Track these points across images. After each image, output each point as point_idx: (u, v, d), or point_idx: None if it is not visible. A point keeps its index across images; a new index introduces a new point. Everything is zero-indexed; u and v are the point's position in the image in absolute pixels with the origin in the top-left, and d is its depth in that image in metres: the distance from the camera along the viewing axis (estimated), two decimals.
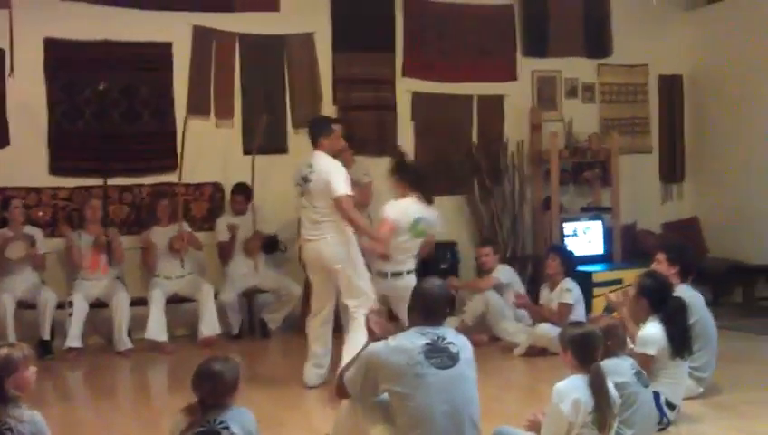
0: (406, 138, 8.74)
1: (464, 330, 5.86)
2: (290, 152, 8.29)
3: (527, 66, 9.19)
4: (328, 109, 8.49)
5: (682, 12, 9.64)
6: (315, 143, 5.96)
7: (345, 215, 5.76)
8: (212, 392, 3.44)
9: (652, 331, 4.91)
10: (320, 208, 5.81)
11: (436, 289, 3.98)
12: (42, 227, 7.46)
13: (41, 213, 7.55)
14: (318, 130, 6.02)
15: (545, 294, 7.14)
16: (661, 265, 5.71)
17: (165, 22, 7.90)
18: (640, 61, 9.60)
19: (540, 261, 8.64)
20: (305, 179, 5.85)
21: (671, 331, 4.91)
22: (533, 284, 8.17)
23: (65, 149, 7.68)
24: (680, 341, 4.95)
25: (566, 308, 6.73)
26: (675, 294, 5.18)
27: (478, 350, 3.98)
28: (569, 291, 6.85)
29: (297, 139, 8.31)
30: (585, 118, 9.24)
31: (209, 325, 7.30)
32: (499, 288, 7.35)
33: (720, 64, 9.32)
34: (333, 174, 5.77)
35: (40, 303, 7.03)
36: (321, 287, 5.99)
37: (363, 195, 7.99)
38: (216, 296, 7.42)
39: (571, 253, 7.40)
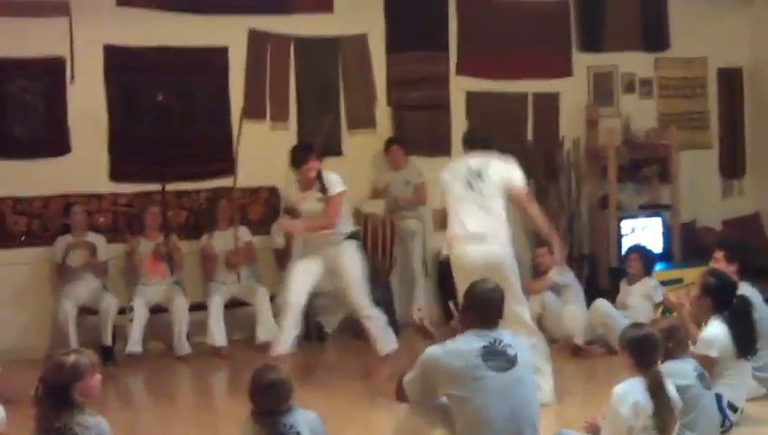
0: (460, 136, 8.67)
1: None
2: (345, 154, 8.31)
3: (583, 62, 9.09)
4: (382, 109, 8.50)
5: (740, 3, 9.43)
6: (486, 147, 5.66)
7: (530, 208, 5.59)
8: (276, 400, 3.49)
9: (715, 331, 4.84)
10: (491, 204, 5.41)
11: (490, 291, 3.98)
12: (103, 234, 7.59)
13: (102, 219, 7.68)
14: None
15: (624, 288, 7.12)
16: (719, 262, 5.67)
17: (221, 26, 7.96)
18: (699, 54, 9.43)
19: (596, 260, 8.60)
20: (477, 173, 5.41)
21: (737, 329, 4.84)
22: (591, 283, 8.09)
23: (125, 155, 7.78)
24: (746, 339, 4.87)
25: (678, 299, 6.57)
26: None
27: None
28: (657, 289, 6.92)
29: (352, 140, 8.36)
30: (643, 113, 9.10)
31: (266, 329, 7.35)
32: (556, 289, 7.30)
33: None
34: (512, 169, 5.57)
35: (102, 308, 7.14)
36: None
37: (418, 195, 8.02)
38: (272, 299, 7.47)
39: (651, 252, 7.40)
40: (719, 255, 5.75)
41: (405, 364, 5.23)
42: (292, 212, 6.43)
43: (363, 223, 7.67)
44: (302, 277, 6.09)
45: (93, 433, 3.47)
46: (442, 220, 5.52)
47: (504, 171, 5.48)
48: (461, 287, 4.83)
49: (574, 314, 7.08)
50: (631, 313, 6.69)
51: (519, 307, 5.34)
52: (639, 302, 6.88)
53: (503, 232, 5.39)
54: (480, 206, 5.33)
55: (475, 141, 5.73)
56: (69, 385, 3.45)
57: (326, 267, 6.14)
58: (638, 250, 7.31)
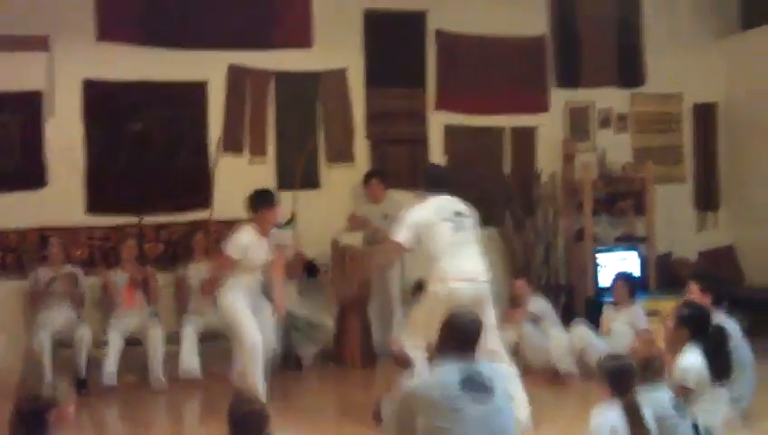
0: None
1: None
2: (322, 187, 8.34)
3: (559, 97, 9.20)
4: (361, 143, 8.55)
5: (715, 39, 9.58)
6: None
7: None
8: (253, 430, 3.48)
9: (691, 360, 4.88)
10: (475, 245, 5.64)
11: (470, 322, 3.99)
12: (79, 266, 7.54)
13: (78, 252, 7.64)
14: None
15: (609, 313, 7.17)
16: (694, 294, 5.75)
17: (200, 61, 8.01)
18: (674, 89, 9.55)
19: (573, 291, 8.64)
20: (459, 214, 5.63)
21: (713, 357, 4.88)
22: (567, 314, 8.11)
23: (102, 189, 7.78)
24: (721, 367, 4.92)
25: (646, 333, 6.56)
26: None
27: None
28: (642, 317, 6.95)
29: (330, 173, 8.39)
30: (618, 148, 9.20)
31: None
32: (533, 319, 7.33)
33: (755, 92, 9.24)
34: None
35: (76, 339, 7.08)
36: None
37: None
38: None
39: (636, 279, 7.54)
40: (693, 287, 5.83)
41: (382, 391, 5.27)
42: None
43: (341, 254, 7.69)
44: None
45: None
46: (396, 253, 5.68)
47: (471, 212, 5.72)
48: (427, 316, 5.08)
49: (558, 341, 7.09)
50: (613, 338, 6.79)
51: (494, 337, 5.47)
52: (623, 328, 6.89)
53: (486, 269, 5.61)
54: (469, 246, 5.57)
55: (444, 182, 5.87)
56: (43, 413, 3.43)
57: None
58: (624, 278, 7.35)
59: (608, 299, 7.51)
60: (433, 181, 5.85)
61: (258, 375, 5.97)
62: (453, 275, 5.43)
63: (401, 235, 5.54)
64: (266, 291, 6.42)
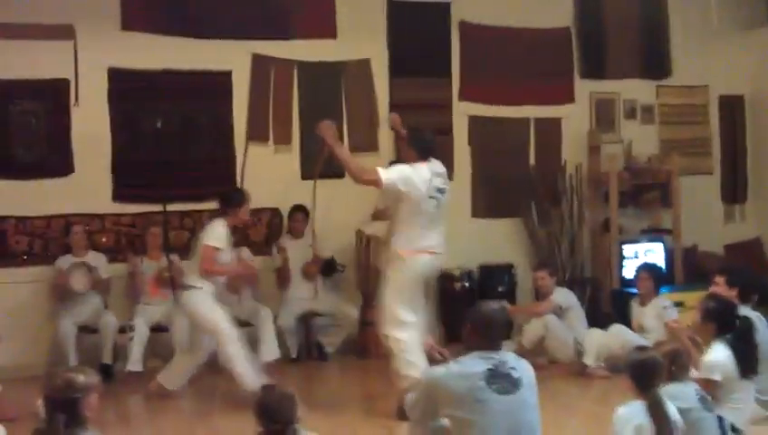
0: (463, 161, 8.74)
1: (521, 353, 5.76)
2: (347, 177, 8.31)
3: (585, 88, 9.14)
4: (385, 133, 8.53)
5: (742, 31, 9.48)
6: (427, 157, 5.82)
7: None
8: (284, 417, 3.47)
9: (718, 355, 4.83)
10: (443, 222, 5.83)
11: (495, 312, 3.96)
12: (104, 253, 7.60)
13: (104, 239, 7.70)
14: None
15: (637, 310, 7.05)
16: (719, 287, 5.71)
17: (224, 51, 8.02)
18: (700, 81, 9.49)
19: (598, 283, 8.60)
20: (441, 191, 5.75)
21: (740, 351, 4.83)
22: (593, 306, 8.08)
23: (128, 177, 7.81)
24: (748, 360, 4.86)
25: (678, 324, 6.46)
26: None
27: (537, 374, 3.94)
28: (669, 308, 6.79)
29: None
30: (644, 140, 9.16)
31: (269, 350, 7.33)
32: (558, 312, 7.29)
33: None
34: None
35: (101, 326, 7.17)
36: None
37: None
38: (274, 320, 7.46)
39: (660, 269, 7.37)
40: (720, 280, 5.80)
41: (405, 385, 5.26)
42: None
43: (365, 244, 7.69)
44: None
45: None
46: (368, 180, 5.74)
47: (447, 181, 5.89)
48: (403, 289, 5.56)
49: (588, 336, 7.04)
50: (650, 335, 6.66)
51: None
52: (655, 323, 6.78)
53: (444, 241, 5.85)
54: (440, 221, 5.80)
55: (433, 148, 5.91)
56: (78, 401, 3.45)
57: None
58: (648, 269, 7.24)
59: (633, 291, 7.46)
60: (426, 148, 5.84)
61: (245, 361, 6.06)
62: (424, 249, 5.68)
63: (386, 174, 5.63)
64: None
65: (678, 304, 6.90)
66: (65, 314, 7.19)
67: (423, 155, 5.78)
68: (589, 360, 6.83)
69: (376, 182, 5.65)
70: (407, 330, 5.55)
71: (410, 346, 5.49)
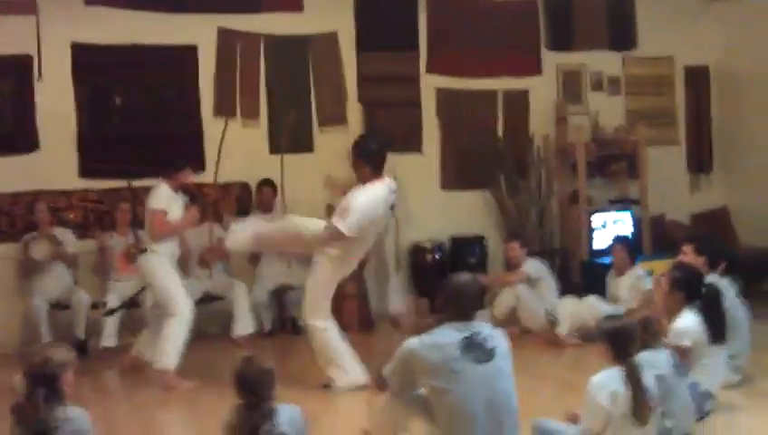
0: (431, 134, 8.75)
1: (494, 324, 5.84)
2: (315, 151, 8.32)
3: (551, 60, 9.17)
4: (353, 107, 8.51)
5: (707, 3, 9.55)
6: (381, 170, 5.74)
7: None
8: (262, 390, 3.48)
9: (687, 322, 4.89)
10: None
11: (467, 283, 3.99)
12: (72, 229, 7.54)
13: (72, 215, 7.63)
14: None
15: (614, 282, 7.09)
16: (688, 256, 5.76)
17: (190, 24, 7.95)
18: (666, 52, 9.55)
19: (568, 253, 8.67)
20: (392, 207, 5.91)
21: (708, 317, 4.90)
22: (563, 276, 8.15)
23: (94, 153, 7.74)
24: (717, 326, 4.93)
25: (649, 293, 6.51)
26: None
27: (510, 343, 3.97)
28: (644, 278, 6.82)
29: (323, 137, 8.36)
30: (611, 111, 9.21)
31: (243, 324, 7.33)
32: (529, 282, 7.35)
33: (747, 54, 9.26)
34: None
35: (74, 303, 7.14)
36: None
37: None
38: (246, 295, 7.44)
39: (632, 241, 7.42)
40: (687, 248, 5.85)
41: (383, 355, 5.29)
42: None
43: None
44: None
45: (75, 425, 3.46)
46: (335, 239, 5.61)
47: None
48: (329, 282, 5.72)
49: (560, 306, 7.09)
50: (624, 306, 6.69)
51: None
52: (629, 293, 6.86)
53: None
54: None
55: (384, 156, 5.77)
56: (57, 377, 3.44)
57: None
58: (622, 241, 7.30)
59: (603, 261, 7.52)
60: (377, 159, 5.69)
61: (178, 343, 6.03)
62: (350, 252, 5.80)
63: (349, 223, 5.50)
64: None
65: (648, 274, 6.96)
66: (35, 290, 7.14)
67: (378, 170, 5.64)
68: (562, 329, 6.89)
69: (341, 236, 5.54)
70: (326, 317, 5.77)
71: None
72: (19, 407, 3.43)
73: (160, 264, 6.13)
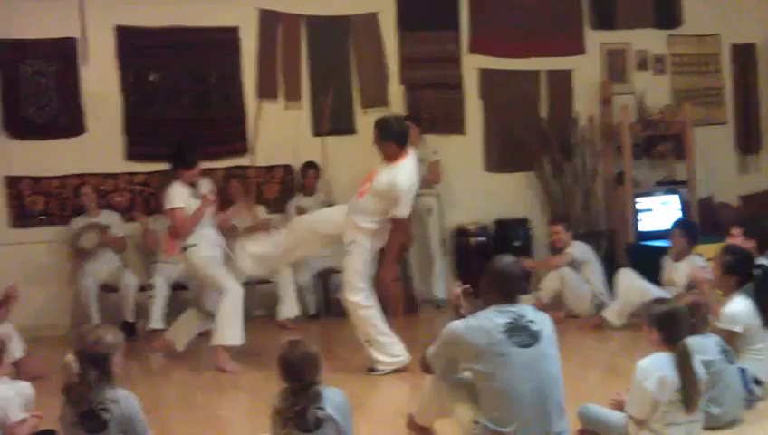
0: (474, 115, 8.69)
1: (539, 308, 5.78)
2: (358, 133, 8.30)
3: (596, 39, 9.04)
4: (395, 88, 8.48)
5: None
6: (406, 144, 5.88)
7: None
8: (307, 373, 3.50)
9: (738, 307, 4.82)
10: None
11: (511, 266, 3.96)
12: (119, 212, 7.63)
13: (118, 198, 7.71)
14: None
15: (670, 266, 6.92)
16: (737, 239, 5.67)
17: (231, 6, 7.96)
18: (712, 30, 9.37)
19: (614, 236, 8.58)
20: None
21: (761, 301, 4.81)
22: (608, 258, 8.07)
23: (139, 135, 7.81)
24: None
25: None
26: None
27: (555, 327, 3.94)
28: (704, 267, 6.50)
29: (365, 119, 8.32)
30: (657, 90, 9.06)
31: (289, 307, 7.38)
32: (574, 265, 7.29)
33: None
34: None
35: (122, 286, 7.23)
36: None
37: (433, 173, 8.01)
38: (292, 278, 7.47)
39: (694, 226, 7.20)
40: (736, 231, 5.78)
41: (427, 338, 5.29)
42: None
43: None
44: None
45: (123, 406, 3.51)
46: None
47: None
48: (369, 255, 5.83)
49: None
50: (674, 291, 6.47)
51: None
52: (681, 281, 6.64)
53: None
54: None
55: (407, 133, 5.94)
56: (108, 358, 3.50)
57: None
58: (682, 225, 7.10)
59: (650, 244, 7.40)
60: (400, 136, 5.82)
61: (236, 320, 6.11)
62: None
63: (406, 207, 5.76)
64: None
65: (696, 256, 6.83)
66: (86, 273, 7.24)
67: (404, 145, 5.79)
68: (608, 315, 6.82)
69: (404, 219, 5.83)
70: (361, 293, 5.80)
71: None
72: (71, 387, 3.48)
73: (199, 256, 6.20)
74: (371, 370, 5.78)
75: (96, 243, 7.34)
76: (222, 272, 6.17)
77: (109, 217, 7.51)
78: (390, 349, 5.80)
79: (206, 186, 6.51)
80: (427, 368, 4.07)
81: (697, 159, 8.69)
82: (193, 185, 6.31)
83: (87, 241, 7.35)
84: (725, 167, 9.34)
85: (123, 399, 3.53)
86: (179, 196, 6.22)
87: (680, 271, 6.77)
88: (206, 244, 6.24)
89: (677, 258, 6.88)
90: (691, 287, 6.04)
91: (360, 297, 5.79)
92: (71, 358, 3.46)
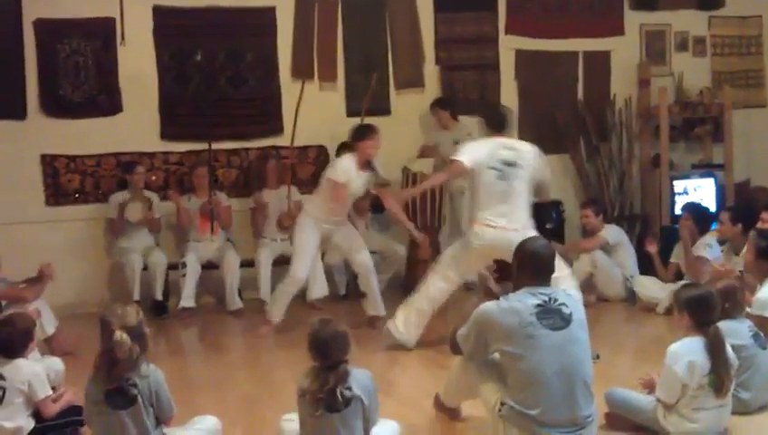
0: (509, 96, 8.63)
1: None
2: (393, 114, 8.29)
3: (635, 20, 8.94)
4: (430, 69, 8.45)
5: None
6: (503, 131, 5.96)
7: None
8: (337, 352, 3.53)
9: None
10: (517, 195, 5.71)
11: (542, 248, 3.96)
12: (155, 191, 7.68)
13: (153, 177, 7.77)
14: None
15: (680, 252, 6.91)
16: (766, 223, 5.60)
17: None
18: (754, 12, 9.24)
19: (648, 220, 8.51)
20: (508, 163, 5.68)
21: None
22: (642, 242, 8.00)
23: (175, 115, 7.84)
24: None
25: (701, 261, 6.42)
26: None
27: (586, 311, 3.93)
28: (709, 246, 6.60)
29: (400, 100, 8.34)
30: (696, 72, 8.95)
31: (319, 287, 7.40)
32: (606, 248, 7.24)
33: None
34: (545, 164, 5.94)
35: (151, 264, 7.25)
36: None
37: None
38: (321, 258, 7.50)
39: (706, 210, 7.16)
40: (765, 216, 5.71)
41: (459, 319, 5.30)
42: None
43: (412, 181, 7.67)
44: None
45: (151, 381, 3.58)
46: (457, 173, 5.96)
47: (535, 162, 5.80)
48: (473, 263, 5.96)
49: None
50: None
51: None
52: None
53: (523, 221, 5.68)
54: (509, 196, 5.66)
55: (503, 124, 6.03)
56: (145, 334, 3.56)
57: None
58: (690, 209, 7.09)
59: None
60: (493, 122, 6.00)
61: (282, 306, 6.32)
62: (481, 221, 5.65)
63: (464, 156, 5.72)
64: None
65: (724, 243, 6.74)
66: (131, 250, 7.27)
67: (492, 130, 5.96)
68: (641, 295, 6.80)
69: (462, 168, 5.76)
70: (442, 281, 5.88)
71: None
72: (116, 362, 3.51)
73: (303, 226, 6.45)
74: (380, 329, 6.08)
75: (141, 218, 7.39)
76: (301, 255, 6.44)
77: (150, 195, 7.56)
78: (407, 325, 5.88)
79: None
80: (456, 349, 4.09)
81: (736, 142, 8.57)
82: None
83: (131, 213, 7.36)
84: (764, 150, 9.19)
85: (152, 373, 3.59)
86: (345, 169, 6.31)
87: (677, 254, 6.73)
88: (314, 216, 6.45)
89: (683, 240, 6.82)
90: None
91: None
92: (122, 334, 3.49)
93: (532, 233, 5.34)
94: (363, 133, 6.39)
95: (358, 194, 6.49)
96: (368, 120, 7.60)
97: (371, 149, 6.34)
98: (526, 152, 5.75)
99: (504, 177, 5.61)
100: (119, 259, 7.38)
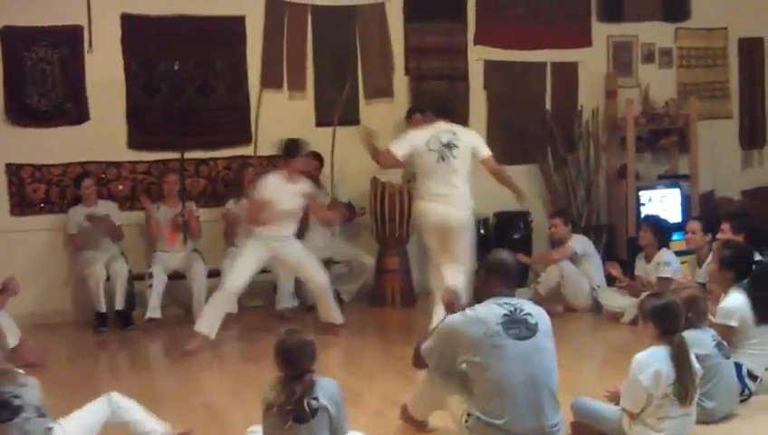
0: (478, 107, 8.67)
1: (537, 300, 5.81)
2: (362, 124, 8.28)
3: (602, 31, 9.01)
4: (400, 79, 8.46)
5: None
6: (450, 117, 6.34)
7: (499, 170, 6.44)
8: (302, 363, 3.51)
9: (734, 302, 4.83)
10: (457, 174, 6.09)
11: (507, 258, 4.00)
12: (121, 201, 7.62)
13: (120, 187, 7.72)
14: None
15: (641, 266, 6.95)
16: (726, 234, 5.70)
17: None
18: (719, 24, 9.34)
19: (614, 230, 8.58)
20: (447, 145, 6.09)
21: (757, 296, 4.81)
22: (609, 252, 8.08)
23: (143, 124, 7.79)
24: (765, 306, 4.83)
25: (666, 283, 6.43)
26: None
27: (553, 321, 3.96)
28: (667, 264, 6.64)
29: (369, 110, 8.32)
30: (662, 83, 9.05)
31: (286, 297, 7.40)
32: (574, 258, 7.29)
33: None
34: (478, 139, 6.38)
35: (112, 274, 7.17)
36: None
37: None
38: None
39: (665, 223, 7.21)
40: (725, 226, 5.82)
41: (423, 331, 5.30)
42: None
43: (381, 191, 7.68)
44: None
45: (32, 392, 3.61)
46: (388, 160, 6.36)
47: (473, 141, 6.27)
48: (430, 239, 6.26)
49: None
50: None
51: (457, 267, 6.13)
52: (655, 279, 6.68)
53: (463, 198, 6.15)
54: (450, 175, 6.11)
55: (446, 110, 6.47)
56: None
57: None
58: (650, 222, 7.13)
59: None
60: (436, 108, 6.47)
61: (216, 320, 6.32)
62: (424, 196, 6.16)
63: (397, 147, 6.22)
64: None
65: (690, 253, 6.80)
66: (91, 260, 7.21)
67: (436, 115, 6.36)
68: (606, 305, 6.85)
69: (392, 157, 6.27)
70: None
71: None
72: None
73: (246, 245, 6.59)
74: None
75: (94, 230, 7.30)
76: (237, 266, 6.50)
77: (106, 207, 7.46)
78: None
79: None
80: (418, 363, 4.09)
81: (701, 153, 8.67)
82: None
83: (85, 231, 7.32)
84: (729, 161, 9.33)
85: (29, 381, 3.62)
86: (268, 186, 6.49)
87: (651, 272, 6.77)
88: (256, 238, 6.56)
89: (648, 258, 6.87)
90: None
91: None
92: None
93: (470, 211, 6.12)
94: (291, 151, 6.63)
95: (292, 208, 6.53)
96: (338, 130, 7.64)
97: (301, 166, 6.65)
98: (464, 133, 6.25)
99: (444, 158, 6.06)
100: (82, 270, 7.30)
